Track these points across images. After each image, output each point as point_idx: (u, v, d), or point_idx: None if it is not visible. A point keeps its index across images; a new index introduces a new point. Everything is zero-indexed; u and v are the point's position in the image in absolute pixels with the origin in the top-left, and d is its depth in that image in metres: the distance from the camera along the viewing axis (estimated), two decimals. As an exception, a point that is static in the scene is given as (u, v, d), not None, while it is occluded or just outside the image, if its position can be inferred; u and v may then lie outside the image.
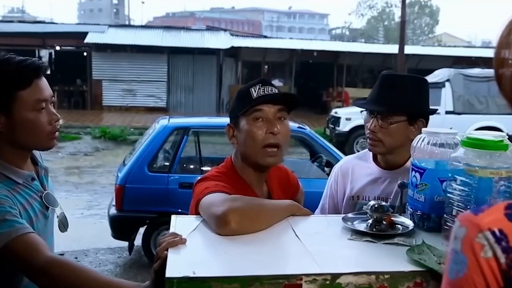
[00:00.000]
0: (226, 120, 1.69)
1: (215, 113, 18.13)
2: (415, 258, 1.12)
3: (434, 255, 1.13)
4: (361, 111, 1.89)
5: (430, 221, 1.35)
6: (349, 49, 20.39)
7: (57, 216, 1.65)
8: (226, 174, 1.62)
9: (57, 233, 1.67)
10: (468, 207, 1.19)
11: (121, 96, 18.78)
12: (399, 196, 1.78)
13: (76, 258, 5.31)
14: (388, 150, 1.81)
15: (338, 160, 2.44)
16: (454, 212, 1.24)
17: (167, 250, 1.17)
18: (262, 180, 1.68)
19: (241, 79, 19.44)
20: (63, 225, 1.68)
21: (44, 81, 1.50)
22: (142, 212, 5.06)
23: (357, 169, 1.94)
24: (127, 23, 43.96)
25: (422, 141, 1.39)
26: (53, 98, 1.55)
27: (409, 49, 19.08)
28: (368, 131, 1.81)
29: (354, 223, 1.36)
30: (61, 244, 4.30)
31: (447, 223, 1.27)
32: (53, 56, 21.02)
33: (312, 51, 19.75)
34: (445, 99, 11.62)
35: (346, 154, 3.32)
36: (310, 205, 1.72)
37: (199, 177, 1.62)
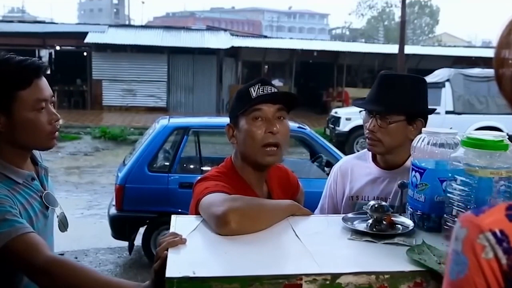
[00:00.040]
0: (226, 120, 1.69)
1: (215, 113, 18.13)
2: (415, 258, 1.12)
3: (434, 255, 1.13)
4: (360, 111, 1.90)
5: (430, 221, 1.35)
6: (349, 49, 20.39)
7: (57, 216, 1.65)
8: (226, 174, 1.62)
9: (57, 233, 1.67)
10: (468, 207, 1.19)
11: (121, 96, 18.78)
12: (398, 196, 1.78)
13: (76, 258, 5.31)
14: (387, 149, 1.81)
15: (338, 160, 2.44)
16: (454, 212, 1.24)
17: (167, 250, 1.17)
18: (262, 180, 1.68)
19: (241, 79, 19.44)
20: (63, 225, 1.68)
21: (44, 81, 1.50)
22: (142, 212, 5.06)
23: (356, 169, 1.94)
24: (127, 23, 43.97)
25: (422, 141, 1.39)
26: (53, 98, 1.55)
27: (409, 49, 19.08)
28: (367, 131, 1.81)
29: (354, 223, 1.36)
30: (61, 244, 4.30)
31: (447, 223, 1.27)
32: (53, 56, 21.03)
33: (312, 51, 19.75)
34: (445, 99, 11.63)
35: (346, 154, 3.32)
36: (310, 205, 1.72)
37: (199, 177, 1.62)
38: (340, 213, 1.82)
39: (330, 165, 4.97)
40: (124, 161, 5.50)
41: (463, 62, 18.03)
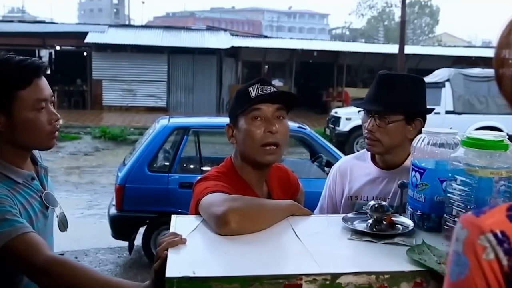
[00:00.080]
0: (226, 120, 1.69)
1: (215, 113, 18.12)
2: (415, 258, 1.12)
3: (434, 255, 1.13)
4: (359, 111, 1.90)
5: (430, 221, 1.35)
6: (349, 49, 20.39)
7: (57, 216, 1.65)
8: (226, 174, 1.62)
9: (57, 233, 1.67)
10: (468, 207, 1.19)
11: (121, 96, 18.78)
12: (397, 196, 1.78)
13: (76, 257, 5.31)
14: (386, 149, 1.81)
15: (338, 160, 2.44)
16: (454, 212, 1.24)
17: (167, 250, 1.17)
18: (262, 180, 1.68)
19: (241, 79, 19.44)
20: (63, 225, 1.68)
21: (44, 81, 1.50)
22: (142, 212, 5.06)
23: (356, 169, 1.95)
24: (127, 23, 43.97)
25: (422, 141, 1.39)
26: (53, 97, 1.55)
27: (409, 49, 19.08)
28: (366, 131, 1.81)
29: (354, 223, 1.36)
30: (61, 244, 4.30)
31: (447, 223, 1.27)
32: (53, 56, 21.03)
33: (312, 51, 19.74)
34: (445, 99, 11.64)
35: (346, 154, 3.32)
36: (310, 205, 1.72)
37: (199, 177, 1.62)
38: (339, 213, 1.83)
39: (330, 165, 4.97)
40: (124, 161, 5.50)
41: (463, 62, 18.03)
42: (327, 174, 2.10)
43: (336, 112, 12.54)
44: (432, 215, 1.35)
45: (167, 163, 5.28)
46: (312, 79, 22.14)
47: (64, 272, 1.31)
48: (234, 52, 19.01)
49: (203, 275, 1.04)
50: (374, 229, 1.31)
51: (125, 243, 5.26)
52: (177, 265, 1.08)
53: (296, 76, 20.56)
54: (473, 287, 0.70)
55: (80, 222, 6.45)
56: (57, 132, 1.54)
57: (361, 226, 1.34)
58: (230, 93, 18.38)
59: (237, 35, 21.65)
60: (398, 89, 1.79)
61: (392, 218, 1.36)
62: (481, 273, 0.69)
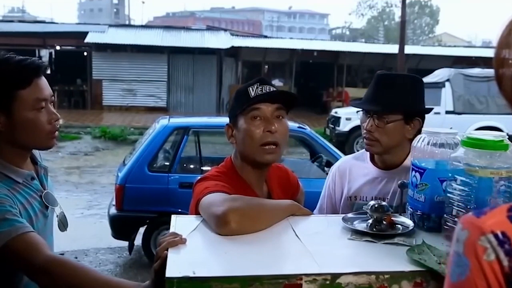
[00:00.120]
0: (226, 120, 1.69)
1: (215, 113, 18.12)
2: (415, 258, 1.12)
3: (434, 255, 1.13)
4: (357, 111, 1.90)
5: (430, 221, 1.35)
6: (349, 49, 20.39)
7: (57, 216, 1.65)
8: (226, 173, 1.62)
9: (58, 233, 1.67)
10: (468, 207, 1.19)
11: (121, 96, 18.78)
12: (396, 196, 1.79)
13: (76, 257, 5.31)
14: (385, 149, 1.81)
15: (338, 160, 2.44)
16: (454, 212, 1.24)
17: (167, 250, 1.17)
18: (262, 179, 1.68)
19: (241, 79, 19.43)
20: (63, 225, 1.68)
21: (44, 81, 1.50)
22: (142, 212, 5.06)
23: (355, 169, 1.95)
24: (127, 23, 43.96)
25: (422, 141, 1.39)
26: (53, 97, 1.55)
27: (409, 49, 19.08)
28: (365, 131, 1.81)
29: (354, 223, 1.36)
30: (61, 244, 4.29)
31: (447, 223, 1.27)
32: (53, 56, 21.03)
33: (312, 51, 19.74)
34: (445, 99, 11.64)
35: (346, 154, 3.32)
36: (310, 205, 1.72)
37: (199, 177, 1.62)
38: (338, 213, 1.83)
39: (330, 165, 4.97)
40: (124, 161, 5.50)
41: (463, 62, 18.03)
42: (327, 174, 2.10)
43: (336, 112, 12.54)
44: (432, 215, 1.35)
45: (167, 163, 5.28)
46: (312, 79, 22.13)
47: (64, 272, 1.31)
48: (234, 52, 19.01)
49: (203, 275, 1.04)
50: (374, 229, 1.31)
51: (125, 243, 5.26)
52: (177, 265, 1.08)
53: (296, 76, 20.56)
54: None
55: (80, 222, 6.45)
56: (57, 132, 1.54)
57: (361, 226, 1.34)
58: (230, 93, 18.37)
59: (237, 35, 21.65)
60: (396, 89, 1.79)
61: (392, 218, 1.36)
62: (481, 274, 0.69)
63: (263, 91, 1.56)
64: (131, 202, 4.98)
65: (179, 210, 4.35)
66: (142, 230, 5.17)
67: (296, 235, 1.28)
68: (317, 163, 5.54)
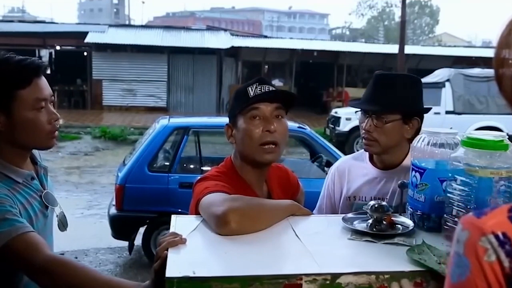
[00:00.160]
0: (226, 120, 1.69)
1: (215, 113, 18.12)
2: (415, 258, 1.12)
3: (434, 255, 1.13)
4: (356, 112, 1.90)
5: (430, 221, 1.35)
6: (349, 49, 20.39)
7: (57, 216, 1.65)
8: (226, 173, 1.62)
9: (58, 233, 1.67)
10: (468, 207, 1.19)
11: (121, 96, 18.78)
12: (396, 196, 1.79)
13: (76, 257, 5.31)
14: (383, 149, 1.81)
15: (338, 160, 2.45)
16: (454, 212, 1.24)
17: (167, 250, 1.17)
18: (262, 179, 1.68)
19: (241, 79, 19.44)
20: (63, 225, 1.68)
21: (43, 80, 1.50)
22: (142, 212, 5.06)
23: (354, 169, 1.95)
24: (127, 23, 43.97)
25: (422, 141, 1.39)
26: (53, 97, 1.55)
27: (409, 49, 19.09)
28: (364, 131, 1.81)
29: (354, 223, 1.36)
30: (61, 244, 4.29)
31: (447, 223, 1.27)
32: (53, 56, 21.04)
33: (312, 51, 19.74)
34: (445, 99, 11.64)
35: (346, 154, 3.32)
36: (310, 205, 1.72)
37: (199, 177, 1.62)
38: (338, 214, 1.83)
39: (330, 165, 4.95)
40: (124, 161, 5.50)
41: (463, 62, 18.03)
42: (327, 174, 2.10)
43: (336, 112, 12.54)
44: (432, 215, 1.35)
45: (167, 163, 5.28)
46: (312, 79, 22.13)
47: (65, 271, 1.31)
48: (234, 52, 19.01)
49: (203, 275, 1.03)
50: (374, 229, 1.31)
51: (125, 243, 5.26)
52: (177, 265, 1.08)
53: (296, 76, 20.56)
54: None
55: (80, 222, 6.45)
56: (56, 132, 1.54)
57: (361, 226, 1.34)
58: (230, 93, 18.36)
59: (237, 35, 21.65)
60: (395, 88, 1.79)
61: (392, 218, 1.36)
62: (482, 274, 0.69)
63: (262, 90, 1.56)
64: (131, 202, 4.98)
65: (179, 210, 4.35)
66: (142, 230, 5.17)
67: (296, 235, 1.28)
68: (317, 163, 5.54)
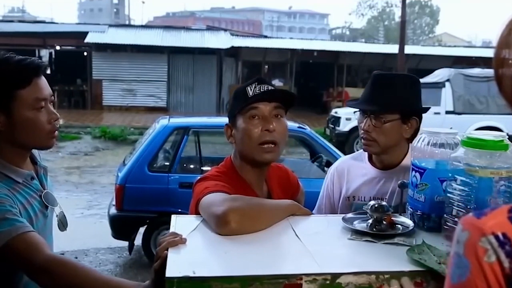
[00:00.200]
0: (226, 120, 1.69)
1: (215, 113, 18.12)
2: (415, 258, 1.12)
3: (434, 255, 1.13)
4: (355, 112, 1.90)
5: (430, 221, 1.35)
6: (349, 49, 20.39)
7: (56, 216, 1.65)
8: (226, 173, 1.62)
9: (58, 233, 1.67)
10: (468, 207, 1.19)
11: (121, 96, 18.78)
12: (395, 195, 1.79)
13: (76, 257, 5.31)
14: (382, 149, 1.81)
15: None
16: (454, 212, 1.24)
17: (167, 250, 1.17)
18: (262, 179, 1.68)
19: (241, 79, 19.44)
20: (62, 224, 1.68)
21: (43, 80, 1.50)
22: (142, 212, 5.06)
23: (353, 169, 1.95)
24: (127, 23, 43.97)
25: (422, 141, 1.39)
26: (53, 97, 1.56)
27: (409, 49, 19.09)
28: (362, 131, 1.81)
29: (354, 223, 1.36)
30: (61, 244, 4.29)
31: (447, 223, 1.27)
32: (53, 56, 21.04)
33: (312, 51, 19.74)
34: (445, 99, 11.64)
35: (346, 154, 3.33)
36: (310, 205, 1.72)
37: (199, 177, 1.62)
38: (337, 214, 1.83)
39: (330, 165, 4.92)
40: (124, 161, 5.50)
41: (463, 62, 18.04)
42: (326, 174, 2.10)
43: (336, 112, 12.54)
44: (432, 215, 1.35)
45: (167, 163, 5.28)
46: (312, 79, 22.13)
47: (65, 271, 1.32)
48: (234, 52, 19.01)
49: (203, 275, 1.04)
50: (374, 229, 1.31)
51: (125, 243, 5.26)
52: (177, 265, 1.08)
53: (296, 76, 20.56)
54: None
55: (80, 222, 6.45)
56: (56, 132, 1.54)
57: (361, 226, 1.34)
58: (230, 93, 18.34)
59: (237, 35, 21.65)
60: (393, 88, 1.79)
61: (392, 218, 1.36)
62: (482, 275, 0.69)
63: (261, 90, 1.57)
64: (131, 202, 4.98)
65: (179, 210, 4.35)
66: (142, 230, 5.17)
67: (296, 235, 1.28)
68: (317, 163, 5.54)
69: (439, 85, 11.68)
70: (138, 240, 5.21)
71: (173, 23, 44.43)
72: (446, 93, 11.66)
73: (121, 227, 5.14)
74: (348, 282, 1.05)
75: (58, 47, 20.12)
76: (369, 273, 1.07)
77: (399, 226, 1.35)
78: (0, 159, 1.48)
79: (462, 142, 1.24)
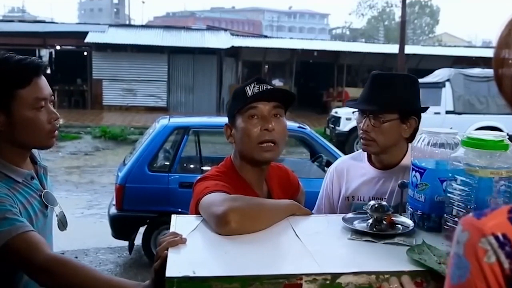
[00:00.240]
0: (226, 119, 1.69)
1: (215, 113, 18.12)
2: (415, 258, 1.12)
3: (434, 255, 1.13)
4: (353, 112, 1.90)
5: (430, 221, 1.35)
6: (350, 49, 20.39)
7: (56, 215, 1.65)
8: (226, 173, 1.62)
9: (58, 232, 1.67)
10: (468, 207, 1.19)
11: (121, 96, 18.79)
12: (394, 195, 1.79)
13: (76, 257, 5.31)
14: (381, 149, 1.81)
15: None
16: (454, 212, 1.24)
17: (167, 250, 1.17)
18: (262, 179, 1.68)
19: (242, 79, 19.44)
20: (62, 224, 1.68)
21: (43, 80, 1.50)
22: (142, 211, 5.05)
23: (352, 169, 1.95)
24: (127, 22, 43.96)
25: (422, 141, 1.39)
26: (53, 97, 1.56)
27: (409, 49, 19.09)
28: (361, 131, 1.81)
29: (354, 223, 1.36)
30: (61, 243, 4.30)
31: (447, 223, 1.27)
32: (53, 56, 21.04)
33: (312, 51, 19.75)
34: (445, 99, 11.64)
35: (346, 154, 3.33)
36: (311, 205, 1.72)
37: (199, 177, 1.62)
38: (336, 214, 1.83)
39: (330, 165, 4.93)
40: (124, 161, 5.50)
41: (463, 62, 18.04)
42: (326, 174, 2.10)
43: (336, 112, 12.54)
44: (432, 215, 1.35)
45: (167, 163, 5.28)
46: (312, 79, 22.13)
47: (65, 271, 1.32)
48: (234, 52, 19.01)
49: (203, 274, 1.04)
50: (374, 229, 1.31)
51: (125, 243, 5.26)
52: (177, 264, 1.08)
53: (296, 76, 20.56)
54: None
55: (80, 221, 6.45)
56: (56, 131, 1.54)
57: (361, 226, 1.34)
58: (230, 93, 18.21)
59: (237, 35, 21.65)
60: (392, 88, 1.79)
61: (392, 218, 1.36)
62: (482, 276, 0.69)
63: (260, 90, 1.57)
64: (131, 202, 4.98)
65: (179, 210, 4.35)
66: (142, 230, 5.17)
67: (296, 235, 1.28)
68: (317, 163, 5.54)
69: (439, 85, 11.67)
70: (138, 240, 5.21)
71: (173, 23, 44.43)
72: (446, 93, 11.66)
73: (121, 226, 5.14)
74: (348, 282, 1.05)
75: (58, 47, 20.13)
76: (369, 273, 1.07)
77: (399, 226, 1.35)
78: (0, 158, 1.48)
79: (462, 142, 1.24)
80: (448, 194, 1.26)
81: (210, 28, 24.19)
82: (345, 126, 11.71)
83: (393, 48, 19.03)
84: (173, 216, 1.39)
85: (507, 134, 1.31)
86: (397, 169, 1.82)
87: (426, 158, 1.38)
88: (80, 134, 13.54)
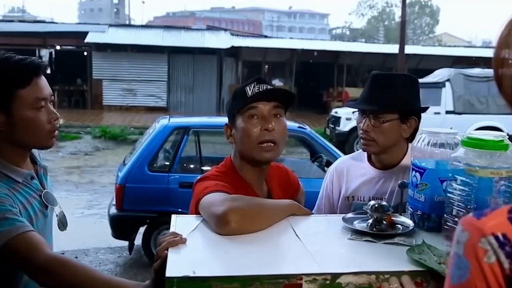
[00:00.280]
0: (226, 119, 1.70)
1: (215, 113, 18.12)
2: (415, 258, 1.12)
3: (434, 255, 1.13)
4: (353, 112, 1.90)
5: (430, 221, 1.35)
6: (350, 49, 20.39)
7: (56, 215, 1.65)
8: (226, 173, 1.62)
9: (58, 232, 1.67)
10: (468, 207, 1.19)
11: (121, 96, 18.79)
12: (394, 195, 1.79)
13: (76, 257, 5.31)
14: (381, 149, 1.81)
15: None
16: (454, 212, 1.24)
17: (167, 250, 1.17)
18: (262, 179, 1.68)
19: (242, 79, 19.44)
20: (62, 224, 1.68)
21: (43, 80, 1.50)
22: (142, 211, 5.05)
23: (352, 169, 1.95)
24: (127, 22, 43.96)
25: (422, 141, 1.39)
26: (53, 97, 1.56)
27: (409, 49, 19.09)
28: (361, 131, 1.81)
29: (354, 223, 1.36)
30: (61, 243, 4.30)
31: (447, 223, 1.27)
32: (53, 56, 21.04)
33: (312, 51, 19.75)
34: (445, 99, 11.64)
35: (346, 154, 3.33)
36: (311, 205, 1.72)
37: (199, 177, 1.62)
38: (336, 214, 1.83)
39: (330, 165, 4.94)
40: (124, 161, 5.50)
41: (463, 62, 18.04)
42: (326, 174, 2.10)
43: (336, 112, 12.55)
44: (432, 215, 1.35)
45: (167, 163, 5.28)
46: (312, 79, 22.13)
47: (65, 271, 1.32)
48: (234, 52, 19.01)
49: (203, 274, 1.04)
50: (374, 229, 1.31)
51: (125, 243, 5.26)
52: (177, 264, 1.08)
53: (296, 76, 20.56)
54: None
55: (80, 221, 6.45)
56: (56, 131, 1.54)
57: (361, 226, 1.34)
58: (230, 93, 18.21)
59: (237, 35, 21.65)
60: (391, 88, 1.79)
61: (392, 218, 1.36)
62: (482, 276, 0.69)
63: (260, 90, 1.57)
64: (131, 202, 4.98)
65: (179, 210, 4.35)
66: (142, 230, 5.17)
67: (296, 235, 1.28)
68: (317, 163, 5.54)
69: (439, 85, 11.68)
70: (138, 240, 5.21)
71: (173, 23, 44.43)
72: (446, 93, 11.67)
73: (121, 227, 5.14)
74: (348, 282, 1.05)
75: (58, 47, 20.13)
76: (369, 273, 1.07)
77: (399, 226, 1.35)
78: (0, 158, 1.48)
79: (462, 142, 1.23)
80: (448, 194, 1.26)
81: (210, 28, 24.20)
82: (345, 126, 11.71)
83: (393, 48, 19.03)
84: (173, 216, 1.39)
85: (507, 134, 1.31)
86: (397, 169, 1.82)
87: (426, 158, 1.38)
88: (80, 134, 13.54)
